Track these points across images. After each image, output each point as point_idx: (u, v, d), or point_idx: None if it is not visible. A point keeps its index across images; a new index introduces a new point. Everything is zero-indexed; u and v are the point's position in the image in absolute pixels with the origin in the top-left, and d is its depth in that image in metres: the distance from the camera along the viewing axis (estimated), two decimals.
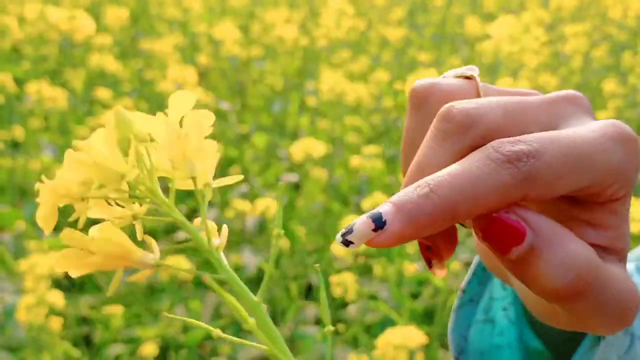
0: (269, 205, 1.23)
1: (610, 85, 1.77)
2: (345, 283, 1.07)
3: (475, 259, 0.35)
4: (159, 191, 0.17)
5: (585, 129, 0.22)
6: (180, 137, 0.16)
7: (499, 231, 0.20)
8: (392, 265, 1.35)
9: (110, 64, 1.35)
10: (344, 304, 1.67)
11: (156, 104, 2.10)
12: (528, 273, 0.20)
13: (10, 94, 1.64)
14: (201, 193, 0.18)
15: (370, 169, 1.62)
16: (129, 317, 1.41)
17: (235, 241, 1.68)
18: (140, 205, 0.16)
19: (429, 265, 0.24)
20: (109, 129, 0.16)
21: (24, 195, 1.58)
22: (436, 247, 0.23)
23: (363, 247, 0.21)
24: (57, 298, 0.83)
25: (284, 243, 1.47)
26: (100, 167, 0.15)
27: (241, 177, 0.20)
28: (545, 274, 0.20)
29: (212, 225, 0.19)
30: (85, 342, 1.45)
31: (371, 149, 1.62)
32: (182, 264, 1.13)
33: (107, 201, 0.16)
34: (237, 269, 1.48)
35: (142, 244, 0.18)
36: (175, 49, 1.85)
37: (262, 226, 1.84)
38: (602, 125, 0.22)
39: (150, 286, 1.70)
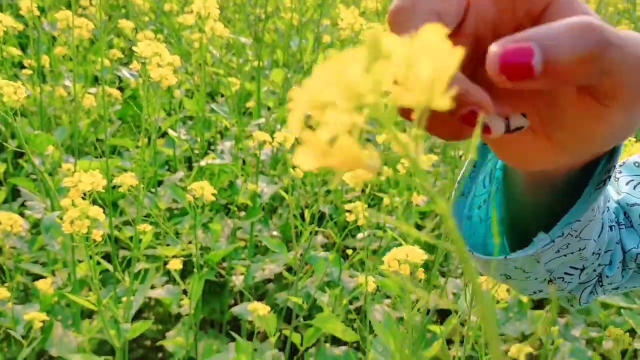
0: (286, 136, 1.30)
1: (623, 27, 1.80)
2: (356, 209, 1.16)
3: (469, 159, 0.39)
4: (389, 109, 0.17)
5: None
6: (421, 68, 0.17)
7: (513, 61, 0.21)
8: (400, 197, 1.43)
9: None
10: (352, 234, 1.78)
11: (175, 36, 2.14)
12: (556, 70, 0.21)
13: (35, 21, 1.68)
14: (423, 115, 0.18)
15: None
16: (153, 235, 1.52)
17: (250, 172, 1.77)
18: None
19: (484, 131, 0.25)
20: (357, 52, 0.17)
21: (50, 125, 1.66)
22: (472, 108, 0.23)
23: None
24: (98, 212, 0.92)
25: (298, 174, 1.55)
26: (346, 86, 0.17)
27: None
28: (569, 58, 0.21)
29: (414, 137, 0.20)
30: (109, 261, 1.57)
31: None
32: (206, 188, 1.22)
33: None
34: (254, 196, 1.57)
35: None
36: None
37: (275, 159, 1.92)
38: None
39: (170, 209, 1.80)
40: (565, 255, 0.36)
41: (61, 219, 1.09)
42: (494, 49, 0.22)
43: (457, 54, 0.17)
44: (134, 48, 1.06)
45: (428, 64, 0.17)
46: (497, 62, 0.22)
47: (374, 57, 0.18)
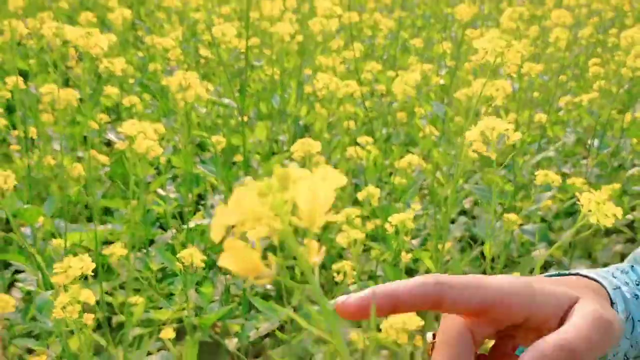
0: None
1: (595, 68, 1.84)
2: (344, 269, 1.17)
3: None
4: (287, 226, 0.23)
5: None
6: (313, 197, 0.23)
7: None
8: (389, 250, 1.45)
9: (118, 66, 1.41)
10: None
11: (161, 91, 2.18)
12: None
13: (20, 90, 1.71)
14: (313, 233, 0.24)
15: (365, 155, 1.71)
16: (145, 301, 1.52)
17: None
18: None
19: None
20: (255, 184, 0.23)
21: (40, 193, 1.67)
22: None
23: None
24: (88, 295, 0.93)
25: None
26: (247, 210, 0.23)
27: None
28: None
29: (314, 245, 0.25)
30: (107, 324, 1.56)
31: (366, 138, 1.70)
32: (195, 255, 1.24)
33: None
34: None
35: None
36: (176, 41, 1.92)
37: None
38: None
39: (162, 269, 1.81)
40: None
41: (53, 298, 1.09)
42: None
43: (332, 193, 0.23)
44: (119, 129, 1.09)
45: (309, 196, 0.23)
46: None
47: (283, 186, 0.23)
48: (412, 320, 0.93)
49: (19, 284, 1.51)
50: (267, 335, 1.77)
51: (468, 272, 2.00)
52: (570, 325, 0.30)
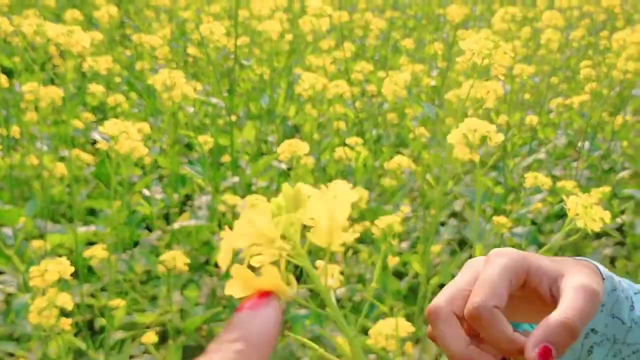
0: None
1: (586, 70, 1.83)
2: (330, 273, 1.15)
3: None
4: (300, 248, 0.22)
5: None
6: (330, 215, 0.22)
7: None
8: (377, 253, 1.43)
9: (103, 64, 1.39)
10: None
11: (147, 91, 2.15)
12: None
13: (3, 89, 1.68)
14: (332, 253, 0.23)
15: (355, 156, 1.69)
16: (128, 303, 1.49)
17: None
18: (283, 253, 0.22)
19: None
20: (263, 205, 0.22)
21: (23, 192, 1.64)
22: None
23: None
24: (66, 300, 0.90)
25: None
26: (259, 233, 0.21)
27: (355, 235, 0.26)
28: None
29: (332, 268, 0.24)
30: (89, 327, 1.53)
31: (356, 139, 1.69)
32: (178, 258, 1.21)
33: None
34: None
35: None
36: (164, 40, 1.89)
37: None
38: None
39: (147, 271, 1.78)
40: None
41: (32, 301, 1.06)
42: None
43: (347, 208, 0.22)
44: (100, 129, 1.06)
45: (326, 215, 0.22)
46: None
47: (294, 206, 0.22)
48: (402, 326, 0.90)
49: (0, 286, 1.48)
50: None
51: None
52: (567, 301, 0.36)
